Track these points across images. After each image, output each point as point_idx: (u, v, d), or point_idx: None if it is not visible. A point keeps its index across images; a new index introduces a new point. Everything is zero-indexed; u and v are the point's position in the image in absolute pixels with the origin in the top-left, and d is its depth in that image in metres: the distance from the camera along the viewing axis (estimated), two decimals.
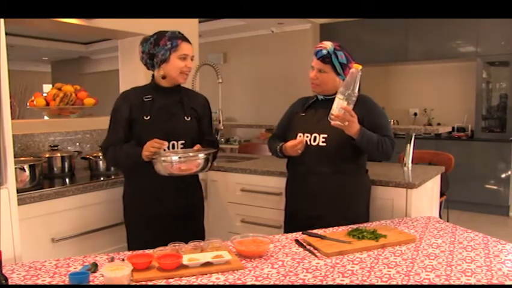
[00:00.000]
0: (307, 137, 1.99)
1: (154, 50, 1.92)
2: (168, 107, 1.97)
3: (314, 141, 1.98)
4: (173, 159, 1.81)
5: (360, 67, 1.78)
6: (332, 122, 1.81)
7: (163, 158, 1.82)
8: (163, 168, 1.82)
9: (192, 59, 1.98)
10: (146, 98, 1.96)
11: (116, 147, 1.92)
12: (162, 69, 1.94)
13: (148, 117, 1.93)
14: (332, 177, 1.96)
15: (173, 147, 1.95)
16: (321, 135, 1.96)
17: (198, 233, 2.00)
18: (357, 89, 1.77)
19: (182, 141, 1.97)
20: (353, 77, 1.77)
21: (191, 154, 1.86)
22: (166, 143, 1.88)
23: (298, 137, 2.01)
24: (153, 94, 1.98)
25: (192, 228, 2.03)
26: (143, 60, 1.99)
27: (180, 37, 1.94)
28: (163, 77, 1.96)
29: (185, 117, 1.99)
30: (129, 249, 1.97)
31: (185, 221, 2.01)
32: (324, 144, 1.95)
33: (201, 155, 1.85)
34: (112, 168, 2.51)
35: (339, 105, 1.78)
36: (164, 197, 1.97)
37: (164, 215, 1.96)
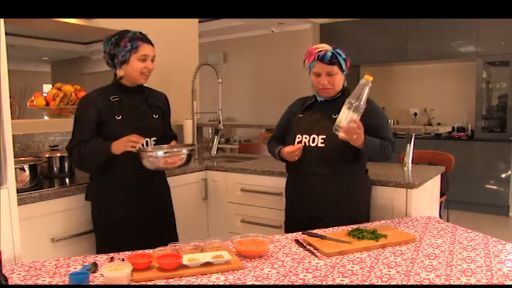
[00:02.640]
0: (305, 138, 1.99)
1: (115, 51, 1.93)
2: (137, 106, 2.02)
3: (313, 142, 1.97)
4: (158, 154, 1.92)
5: (371, 78, 1.70)
6: (340, 135, 1.75)
7: (149, 153, 1.91)
8: (150, 162, 1.91)
9: (152, 60, 1.99)
10: (113, 98, 1.98)
11: (81, 147, 1.92)
12: (122, 69, 1.96)
13: (120, 117, 1.96)
14: (332, 178, 1.96)
15: (147, 145, 2.03)
16: (320, 136, 1.96)
17: (169, 232, 2.08)
18: (365, 100, 1.70)
19: (154, 138, 2.07)
20: (362, 88, 1.69)
21: (175, 150, 1.98)
22: (143, 139, 1.92)
23: (296, 138, 2.00)
24: (119, 94, 2.00)
25: (161, 228, 2.07)
26: (105, 60, 2.00)
27: (141, 38, 1.94)
28: (120, 78, 1.98)
29: (154, 115, 2.07)
30: (98, 251, 1.95)
31: (154, 221, 2.04)
32: (323, 145, 1.95)
33: (184, 150, 1.97)
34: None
35: (349, 117, 1.69)
36: (131, 196, 1.99)
37: (131, 214, 1.98)
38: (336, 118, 1.80)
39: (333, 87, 1.97)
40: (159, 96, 2.17)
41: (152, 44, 1.99)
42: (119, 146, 1.88)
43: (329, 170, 1.95)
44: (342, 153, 1.94)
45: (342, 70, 1.97)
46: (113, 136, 1.91)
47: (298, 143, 2.00)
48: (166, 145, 2.06)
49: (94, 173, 2.04)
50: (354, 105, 1.69)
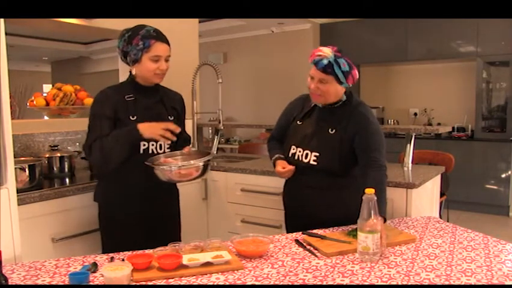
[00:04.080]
0: (299, 151, 1.94)
1: (127, 48, 1.86)
2: (152, 107, 1.95)
3: (306, 158, 1.91)
4: (172, 168, 1.81)
5: (372, 191, 1.49)
6: (377, 259, 1.48)
7: (161, 167, 1.81)
8: (162, 174, 1.83)
9: (167, 60, 1.90)
10: (128, 98, 1.91)
11: (103, 138, 1.82)
12: (135, 68, 1.90)
13: (135, 118, 1.89)
14: (325, 190, 1.92)
15: (160, 147, 1.95)
16: (313, 154, 1.89)
17: (174, 235, 2.02)
18: (375, 215, 1.47)
19: (169, 142, 1.98)
20: (367, 204, 1.48)
21: (192, 162, 1.86)
22: (174, 137, 1.87)
23: (291, 149, 1.96)
24: (134, 93, 1.93)
25: (167, 231, 2.02)
26: (119, 56, 1.93)
27: (154, 36, 1.84)
28: (134, 77, 1.93)
29: (169, 117, 2.00)
30: (103, 251, 1.93)
31: (160, 223, 2.00)
32: (315, 163, 1.89)
33: (201, 163, 1.85)
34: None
35: (375, 239, 1.45)
36: (139, 199, 1.94)
37: (138, 217, 1.94)
38: (331, 134, 1.85)
39: (321, 94, 1.85)
40: (174, 96, 2.09)
41: (167, 43, 1.89)
42: (151, 131, 1.81)
43: (321, 184, 1.92)
44: (333, 171, 1.89)
45: (339, 82, 1.81)
46: None
47: (292, 154, 1.96)
48: (179, 151, 1.97)
49: (116, 167, 1.91)
50: (367, 227, 1.47)
